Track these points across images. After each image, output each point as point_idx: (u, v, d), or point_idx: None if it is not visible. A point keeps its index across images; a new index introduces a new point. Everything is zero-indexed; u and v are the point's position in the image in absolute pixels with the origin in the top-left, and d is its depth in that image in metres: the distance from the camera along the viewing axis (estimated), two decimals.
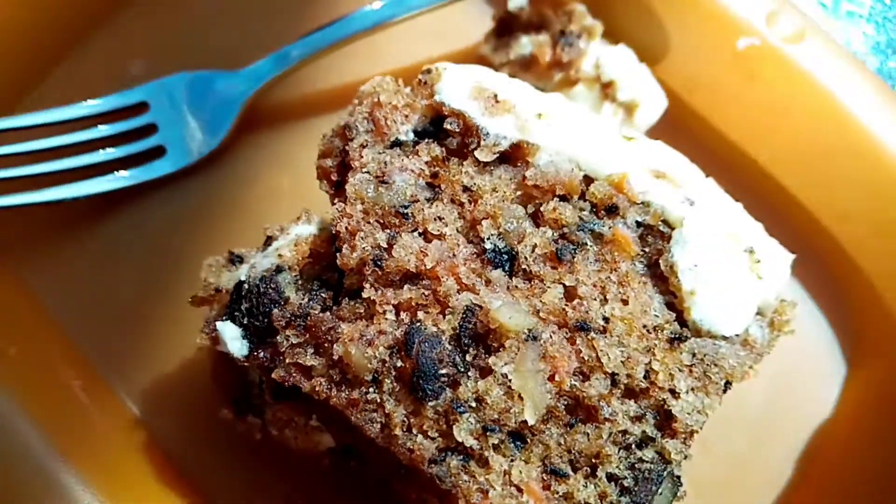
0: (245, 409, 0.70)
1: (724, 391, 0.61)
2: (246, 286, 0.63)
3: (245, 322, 0.62)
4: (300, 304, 0.61)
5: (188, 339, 0.70)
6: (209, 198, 0.83)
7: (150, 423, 0.76)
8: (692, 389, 0.59)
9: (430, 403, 0.56)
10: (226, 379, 0.70)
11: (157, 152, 0.82)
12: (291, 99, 0.88)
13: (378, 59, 0.91)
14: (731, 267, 0.64)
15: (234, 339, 0.62)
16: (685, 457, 0.59)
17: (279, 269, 0.64)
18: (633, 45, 0.89)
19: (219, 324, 0.63)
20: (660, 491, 0.57)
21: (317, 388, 0.59)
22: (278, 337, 0.61)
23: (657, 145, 0.71)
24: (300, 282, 0.64)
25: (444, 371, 0.57)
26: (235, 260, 0.68)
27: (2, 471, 0.64)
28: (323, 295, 0.62)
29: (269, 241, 0.69)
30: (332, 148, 0.68)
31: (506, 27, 0.90)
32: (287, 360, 0.61)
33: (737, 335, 0.62)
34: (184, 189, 0.83)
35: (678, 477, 0.59)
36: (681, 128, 0.91)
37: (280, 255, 0.65)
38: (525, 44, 0.89)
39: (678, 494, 0.58)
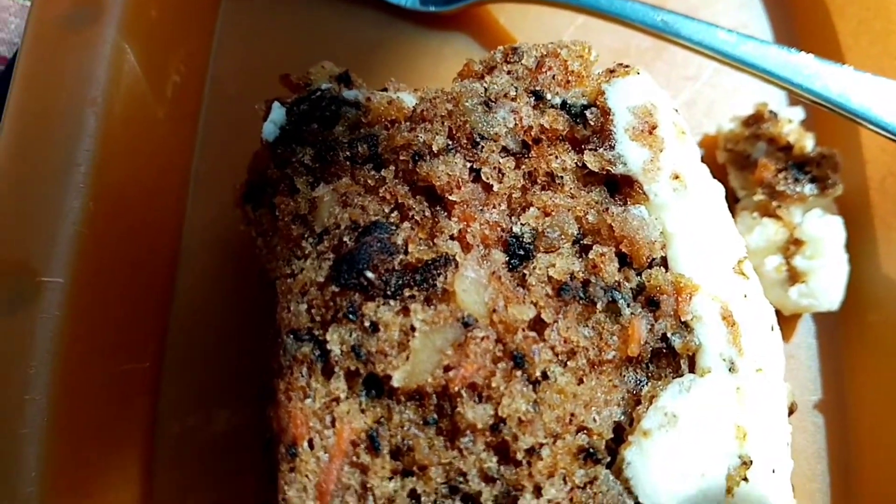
0: (250, 198, 0.70)
1: None
2: (318, 94, 0.63)
3: (293, 118, 0.62)
4: (337, 138, 0.60)
5: None
6: (387, 38, 0.84)
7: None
8: None
9: (334, 288, 0.53)
10: (260, 164, 0.70)
11: None
12: (526, 24, 0.86)
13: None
14: (708, 454, 0.52)
15: (272, 123, 0.62)
16: None
17: (355, 105, 0.62)
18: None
19: (277, 103, 0.63)
20: None
21: (282, 205, 0.58)
22: (299, 148, 0.60)
23: (762, 303, 0.60)
24: (360, 129, 0.62)
25: (370, 275, 0.52)
26: (343, 79, 0.67)
27: None
28: (359, 148, 0.59)
29: (382, 91, 0.68)
30: (491, 59, 0.65)
31: (760, 121, 0.80)
32: (288, 169, 0.60)
33: None
34: (384, 23, 0.85)
35: None
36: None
37: (368, 100, 0.64)
38: (760, 148, 0.79)
39: None
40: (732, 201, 0.80)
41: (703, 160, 0.66)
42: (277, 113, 0.63)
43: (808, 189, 0.76)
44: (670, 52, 0.87)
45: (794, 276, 0.74)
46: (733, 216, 0.76)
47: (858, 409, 0.76)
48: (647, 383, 0.54)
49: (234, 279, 0.76)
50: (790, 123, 0.80)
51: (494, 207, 0.57)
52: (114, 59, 0.70)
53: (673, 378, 0.54)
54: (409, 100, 0.65)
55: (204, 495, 0.70)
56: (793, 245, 0.75)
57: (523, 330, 0.53)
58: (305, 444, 0.50)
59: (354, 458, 0.51)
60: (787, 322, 0.78)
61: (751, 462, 0.53)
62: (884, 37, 0.79)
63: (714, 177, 0.66)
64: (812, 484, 0.74)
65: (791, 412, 0.63)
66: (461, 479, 0.50)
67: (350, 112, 0.61)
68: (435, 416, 0.52)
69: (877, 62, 0.79)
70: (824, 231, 0.74)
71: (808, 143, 0.78)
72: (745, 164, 0.79)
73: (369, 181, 0.58)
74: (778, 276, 0.75)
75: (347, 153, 0.59)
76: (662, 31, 0.77)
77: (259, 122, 0.70)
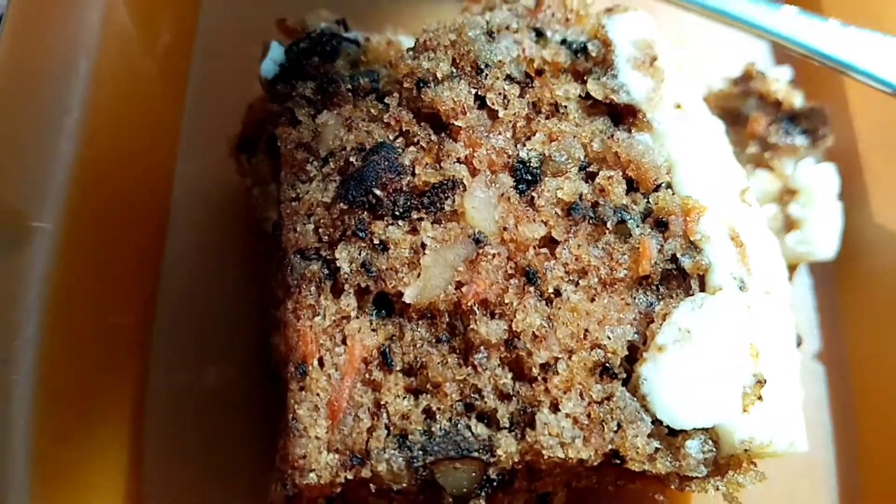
0: (245, 148, 0.69)
1: (605, 457, 0.49)
2: (318, 33, 0.62)
3: (292, 55, 0.61)
4: (339, 72, 0.59)
5: None
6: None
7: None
8: (575, 421, 0.49)
9: (342, 205, 0.51)
10: (255, 114, 0.69)
11: None
12: None
13: None
14: (722, 370, 0.52)
15: (271, 60, 0.62)
16: (502, 476, 0.49)
17: (355, 43, 0.62)
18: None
19: (275, 42, 0.63)
20: (458, 465, 0.47)
21: (284, 134, 0.57)
22: (300, 83, 0.59)
23: (767, 232, 0.60)
24: (360, 65, 0.62)
25: (378, 192, 0.52)
26: (342, 22, 0.66)
27: None
28: (361, 81, 0.59)
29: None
30: (490, 1, 0.65)
31: (749, 80, 0.81)
32: (290, 104, 0.59)
33: (668, 428, 0.50)
34: None
35: (491, 480, 0.49)
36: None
37: (367, 39, 0.63)
38: (750, 104, 0.80)
39: (478, 493, 0.48)
40: None
41: None
42: (276, 51, 0.62)
43: (800, 140, 0.77)
44: (655, 17, 0.88)
45: (789, 224, 0.75)
46: None
47: (857, 358, 0.76)
48: (658, 303, 0.53)
49: (224, 234, 0.75)
50: (778, 82, 0.81)
51: (500, 134, 0.56)
52: (107, 12, 0.69)
53: (685, 297, 0.53)
54: (407, 42, 0.65)
55: (195, 449, 0.67)
56: (787, 195, 0.76)
57: (535, 248, 0.52)
58: (315, 361, 0.49)
59: (367, 376, 0.49)
60: None
61: (765, 381, 0.53)
62: None
63: None
64: (815, 431, 0.74)
65: (798, 344, 0.63)
66: (476, 396, 0.49)
67: (351, 48, 0.61)
68: (447, 333, 0.50)
69: (856, 20, 0.81)
70: (817, 179, 0.75)
71: (796, 100, 0.79)
72: (737, 121, 0.80)
73: (373, 110, 0.57)
74: (774, 224, 0.75)
75: (349, 85, 0.58)
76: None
77: (248, 79, 0.70)
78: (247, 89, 0.72)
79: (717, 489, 0.53)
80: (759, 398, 0.53)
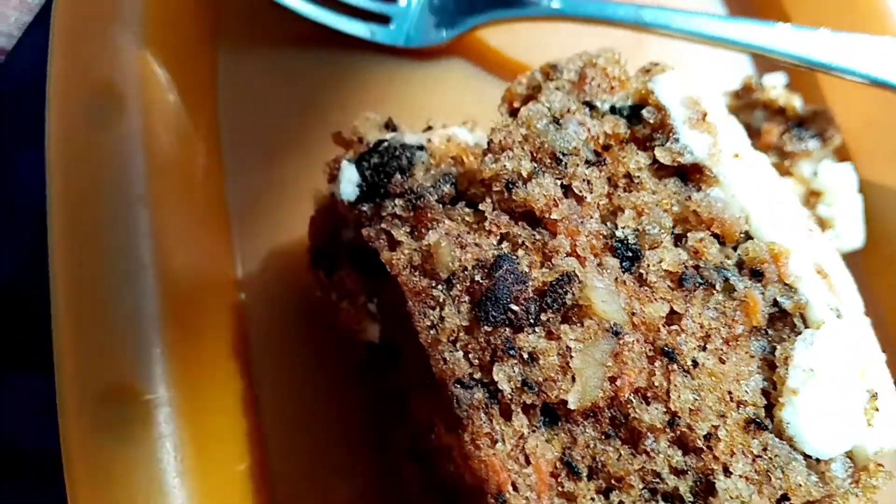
0: (320, 263, 0.70)
1: (777, 502, 0.54)
2: (385, 144, 0.63)
3: (367, 173, 0.62)
4: (421, 184, 0.60)
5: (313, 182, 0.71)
6: (391, 75, 0.85)
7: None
8: (747, 478, 0.53)
9: (486, 328, 0.53)
10: (321, 227, 0.70)
11: (383, 20, 0.84)
12: (517, 42, 0.89)
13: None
14: (846, 396, 0.57)
15: (349, 182, 0.62)
16: None
17: (421, 148, 0.63)
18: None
19: (345, 162, 0.63)
20: None
21: (394, 261, 0.58)
22: (387, 201, 0.60)
23: (832, 252, 0.66)
24: (432, 171, 0.63)
25: (514, 308, 0.54)
26: (391, 125, 0.68)
27: None
28: (444, 189, 0.60)
29: (428, 129, 0.69)
30: (532, 79, 0.67)
31: (750, 92, 0.86)
32: (383, 225, 0.60)
33: (817, 460, 0.55)
34: (381, 64, 0.85)
35: None
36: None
37: (429, 140, 0.65)
38: (759, 117, 0.85)
39: None
40: None
41: None
42: (349, 171, 0.63)
43: (812, 144, 0.82)
44: (647, 46, 0.92)
45: (820, 224, 0.81)
46: None
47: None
48: (771, 346, 0.57)
49: (306, 360, 0.75)
50: (776, 89, 0.86)
51: (591, 217, 0.59)
52: (148, 147, 0.68)
53: (794, 336, 0.58)
54: (464, 135, 0.67)
55: None
56: (812, 197, 0.81)
57: (663, 325, 0.55)
58: (510, 487, 0.51)
59: (559, 489, 0.52)
60: None
61: (876, 394, 0.58)
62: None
63: None
64: None
65: None
66: (657, 480, 0.53)
67: (423, 157, 0.62)
68: (611, 427, 0.53)
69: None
70: (837, 179, 0.81)
71: (797, 103, 0.85)
72: (750, 133, 0.85)
73: (467, 218, 0.59)
74: None
75: (435, 196, 0.60)
76: (650, 27, 0.82)
77: (285, 187, 0.71)
78: (285, 198, 0.73)
79: (857, 496, 0.59)
80: (876, 409, 0.58)
